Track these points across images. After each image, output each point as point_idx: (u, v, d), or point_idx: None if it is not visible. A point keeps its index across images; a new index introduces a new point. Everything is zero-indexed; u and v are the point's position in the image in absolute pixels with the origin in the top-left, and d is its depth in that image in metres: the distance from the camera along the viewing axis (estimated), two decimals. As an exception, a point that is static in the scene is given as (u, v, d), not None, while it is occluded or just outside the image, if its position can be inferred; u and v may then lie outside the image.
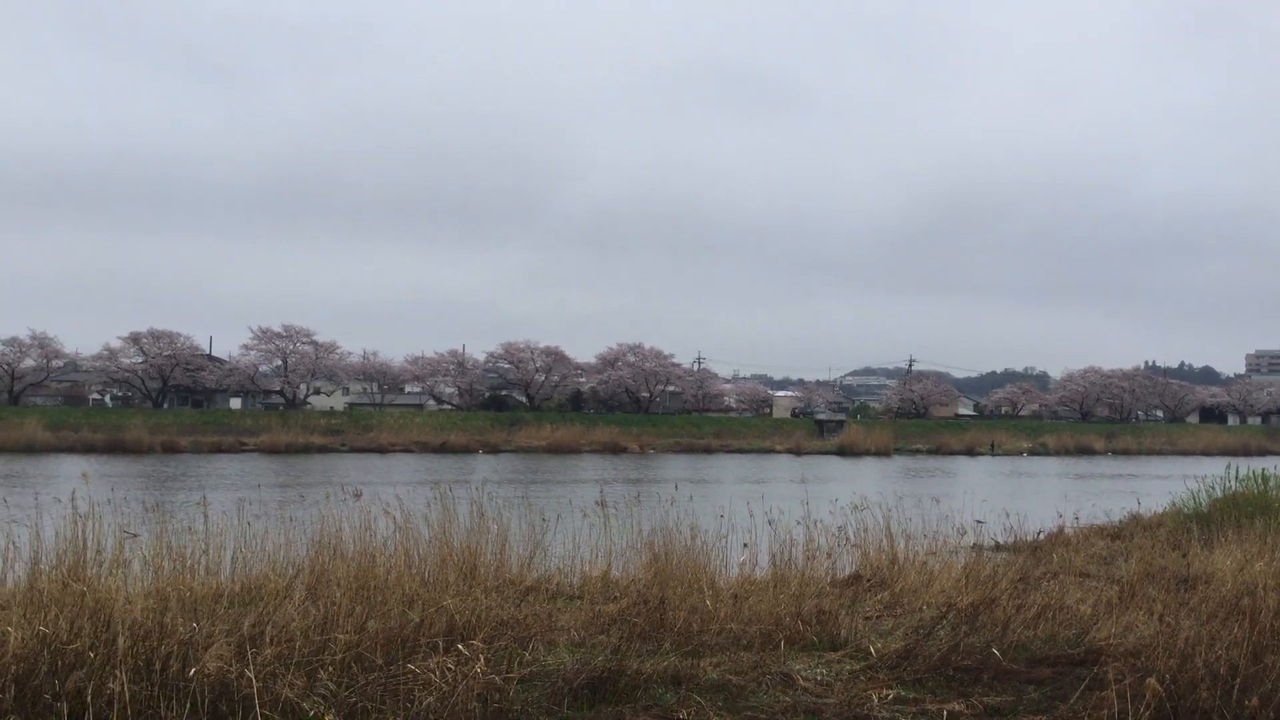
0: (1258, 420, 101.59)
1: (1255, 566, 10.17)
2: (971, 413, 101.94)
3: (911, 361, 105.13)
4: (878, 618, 9.28)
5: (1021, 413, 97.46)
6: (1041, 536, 14.98)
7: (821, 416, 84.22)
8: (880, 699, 6.53)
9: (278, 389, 75.99)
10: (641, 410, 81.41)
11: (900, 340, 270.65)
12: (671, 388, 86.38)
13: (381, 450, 58.70)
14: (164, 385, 73.58)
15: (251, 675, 5.66)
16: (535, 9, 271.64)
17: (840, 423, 78.52)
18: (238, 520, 10.45)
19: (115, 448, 52.70)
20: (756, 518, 11.25)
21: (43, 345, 70.96)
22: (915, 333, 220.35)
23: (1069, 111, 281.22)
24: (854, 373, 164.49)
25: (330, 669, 6.22)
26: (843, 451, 65.29)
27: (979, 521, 13.26)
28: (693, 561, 10.11)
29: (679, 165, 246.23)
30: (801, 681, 6.92)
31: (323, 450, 57.56)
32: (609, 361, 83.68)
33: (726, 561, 10.68)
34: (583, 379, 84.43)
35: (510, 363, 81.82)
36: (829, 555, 11.15)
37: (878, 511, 12.26)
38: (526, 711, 6.21)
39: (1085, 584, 10.93)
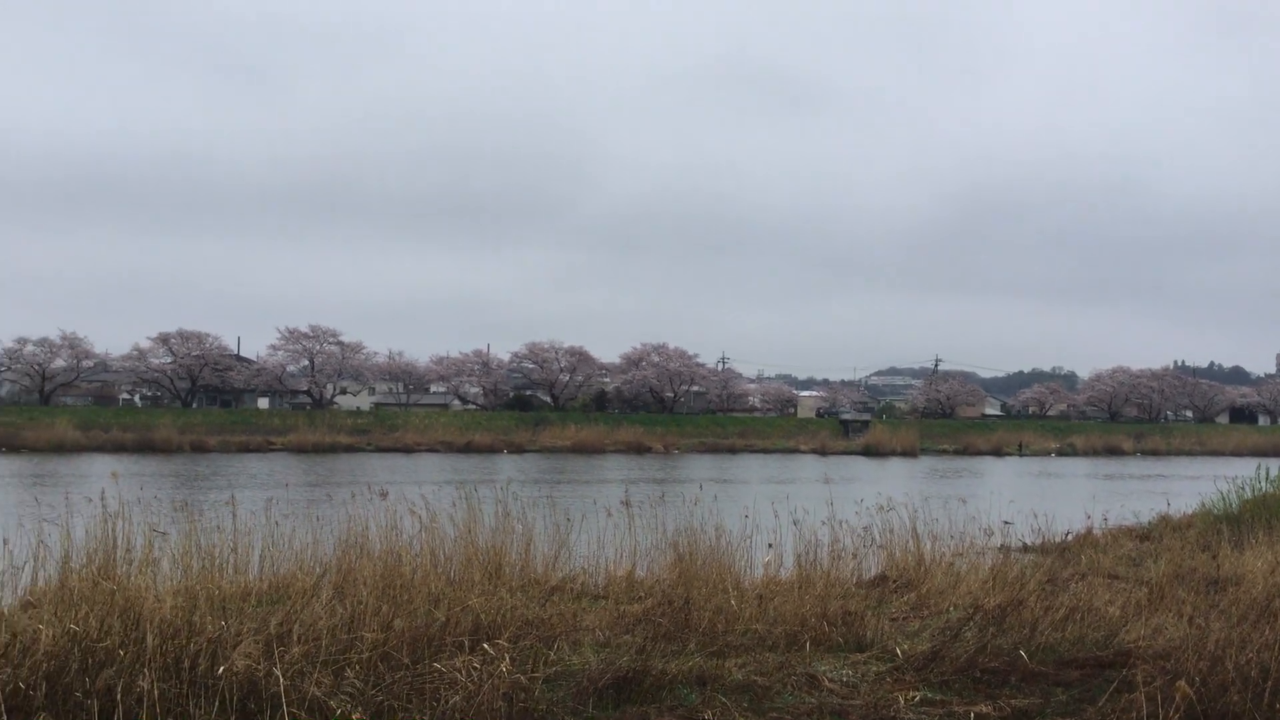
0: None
1: (1287, 568, 10.07)
2: (998, 413, 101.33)
3: (937, 361, 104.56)
4: (904, 619, 9.24)
5: (1049, 413, 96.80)
6: (1069, 538, 14.87)
7: (846, 416, 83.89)
8: (906, 701, 6.51)
9: (305, 389, 76.48)
10: (666, 410, 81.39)
11: (926, 340, 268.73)
12: (696, 388, 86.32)
13: (407, 450, 58.97)
14: (193, 385, 74.20)
15: (279, 674, 5.69)
16: (559, 10, 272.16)
17: (865, 423, 78.19)
18: (266, 519, 10.51)
19: (145, 447, 53.17)
20: (781, 518, 11.22)
21: (73, 346, 71.63)
22: (941, 332, 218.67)
23: (1095, 108, 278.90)
24: (879, 373, 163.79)
25: (357, 667, 6.26)
26: (868, 452, 65.05)
27: (1006, 522, 13.18)
28: (717, 562, 10.10)
29: (703, 164, 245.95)
30: (827, 683, 6.90)
31: (349, 450, 57.86)
32: (633, 361, 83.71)
33: (751, 562, 10.66)
34: (607, 379, 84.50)
35: (535, 363, 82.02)
36: (854, 556, 11.11)
37: (904, 512, 12.21)
38: (551, 711, 6.22)
39: (1114, 586, 10.85)
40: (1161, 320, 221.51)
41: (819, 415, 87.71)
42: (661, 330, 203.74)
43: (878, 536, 11.91)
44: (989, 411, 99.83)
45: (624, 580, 10.50)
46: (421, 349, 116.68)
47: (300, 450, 56.02)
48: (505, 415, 73.74)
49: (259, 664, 5.91)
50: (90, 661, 5.86)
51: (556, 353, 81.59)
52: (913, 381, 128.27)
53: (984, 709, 6.42)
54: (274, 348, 76.66)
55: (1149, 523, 18.12)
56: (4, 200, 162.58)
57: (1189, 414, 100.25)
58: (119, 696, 5.49)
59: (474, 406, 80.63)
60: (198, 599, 6.84)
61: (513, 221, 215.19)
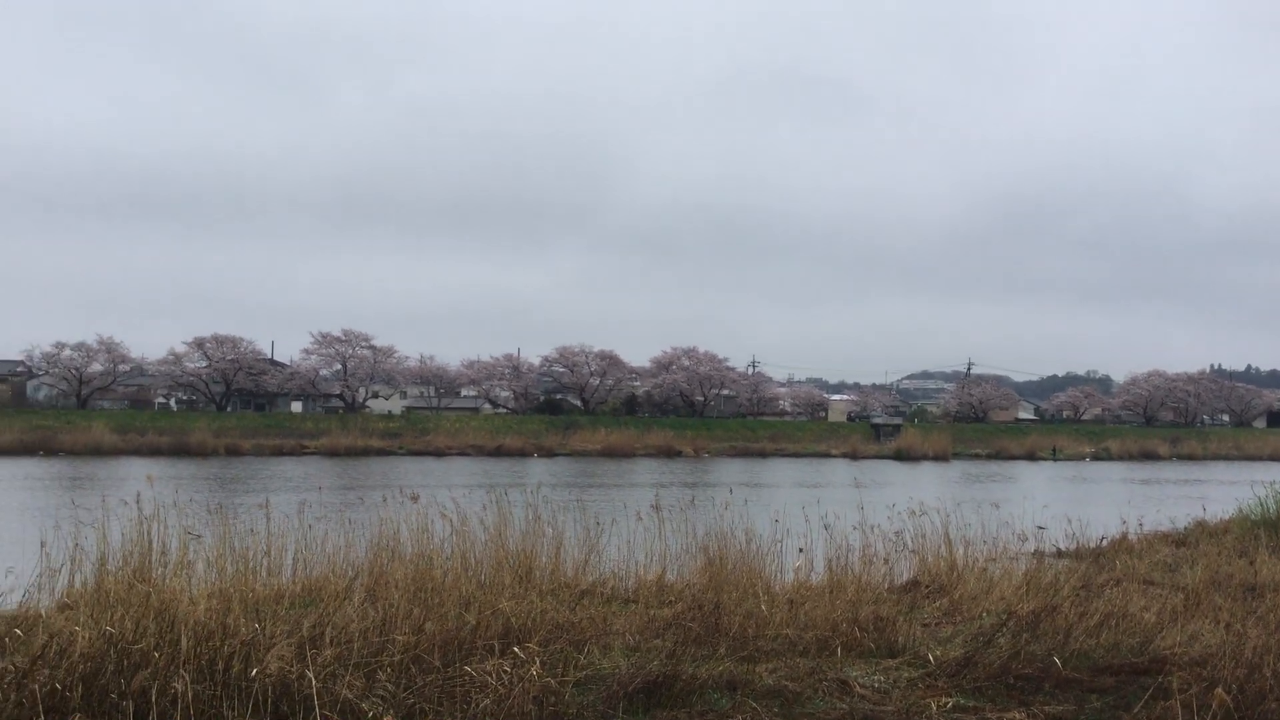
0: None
1: (1327, 575, 9.92)
2: (1032, 417, 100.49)
3: (970, 365, 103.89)
4: (936, 625, 9.18)
5: (1084, 417, 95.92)
6: (1104, 543, 14.74)
7: (878, 420, 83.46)
8: (939, 707, 6.46)
9: (337, 392, 77.07)
10: (696, 414, 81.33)
11: (958, 343, 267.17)
12: (726, 391, 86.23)
13: (438, 453, 59.25)
14: (227, 389, 74.93)
15: (312, 676, 5.73)
16: (592, 15, 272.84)
17: (897, 427, 77.79)
18: (299, 522, 10.59)
19: (180, 450, 53.71)
20: (812, 522, 11.18)
21: (110, 350, 72.54)
22: (974, 336, 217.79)
23: (1131, 110, 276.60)
24: (911, 376, 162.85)
25: (388, 670, 6.28)
26: (899, 456, 64.71)
27: (1040, 527, 13.08)
28: (748, 566, 10.08)
29: (735, 168, 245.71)
30: (859, 688, 6.86)
31: (381, 453, 58.21)
32: (663, 365, 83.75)
33: (781, 566, 10.63)
34: (637, 383, 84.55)
35: (565, 366, 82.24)
36: (886, 561, 11.05)
37: (936, 517, 12.14)
38: (581, 715, 6.22)
39: (1149, 591, 10.73)
40: (1198, 323, 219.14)
41: (850, 419, 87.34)
42: (692, 334, 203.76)
43: (910, 541, 11.84)
44: (1022, 416, 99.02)
45: (654, 584, 10.49)
46: (453, 353, 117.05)
47: (333, 453, 56.40)
48: (536, 419, 73.93)
49: (292, 666, 5.95)
50: (126, 663, 5.91)
51: (587, 356, 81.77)
52: (945, 386, 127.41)
53: (1017, 715, 6.36)
54: (307, 352, 77.50)
55: (1185, 528, 17.92)
56: (44, 207, 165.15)
57: (1225, 418, 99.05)
58: (154, 698, 5.54)
59: (504, 410, 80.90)
60: (232, 601, 6.89)
61: (545, 226, 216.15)
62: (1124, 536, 15.72)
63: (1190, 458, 73.46)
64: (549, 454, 60.96)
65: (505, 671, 6.13)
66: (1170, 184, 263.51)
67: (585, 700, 6.43)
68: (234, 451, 55.18)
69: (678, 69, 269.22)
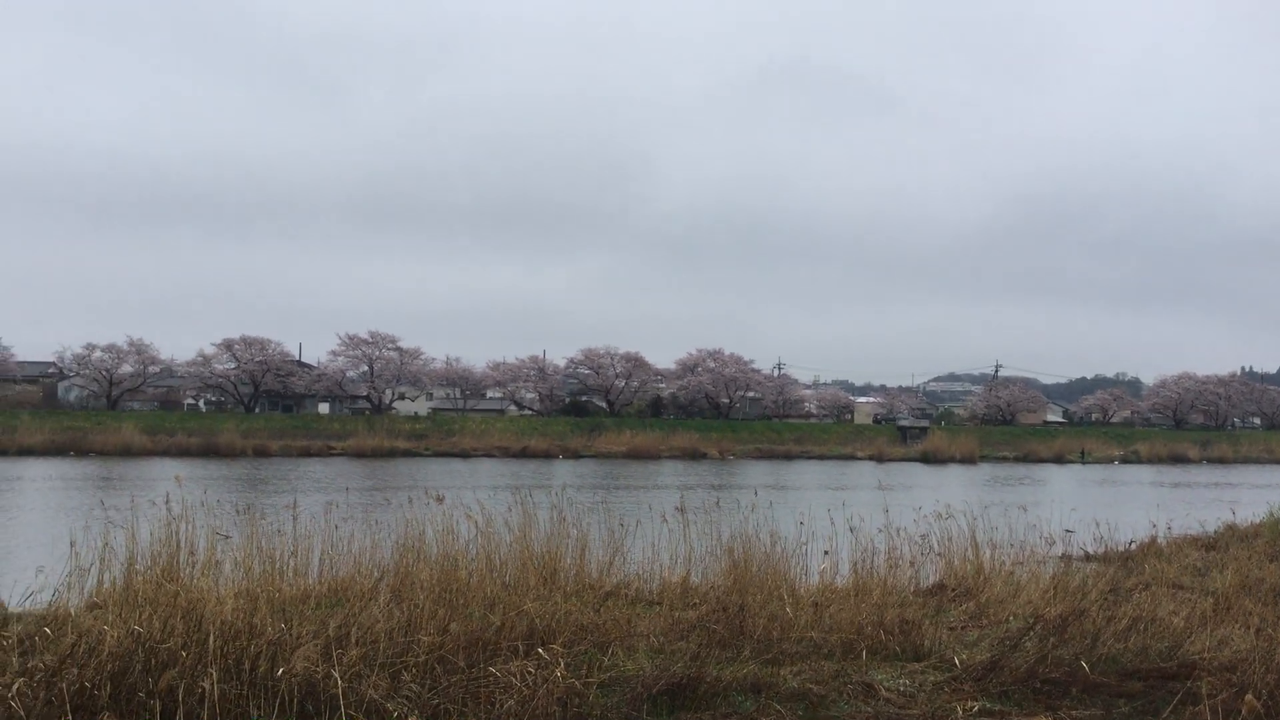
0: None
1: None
2: (1060, 419, 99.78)
3: (998, 367, 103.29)
4: (962, 628, 9.13)
5: (1112, 420, 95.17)
6: (1133, 547, 14.61)
7: (904, 423, 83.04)
8: (965, 711, 6.42)
9: (364, 394, 77.47)
10: (721, 416, 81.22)
11: (986, 346, 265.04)
12: (751, 394, 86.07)
13: (464, 455, 59.38)
14: (255, 390, 75.47)
15: (337, 676, 5.76)
16: (617, 17, 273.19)
17: (924, 429, 77.39)
18: (325, 523, 10.64)
19: (208, 451, 54.07)
20: (837, 525, 11.14)
21: (140, 352, 73.19)
22: (1002, 338, 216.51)
23: (1163, 110, 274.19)
24: (938, 379, 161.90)
25: (413, 671, 6.31)
26: (926, 458, 64.33)
27: (1068, 531, 12.99)
28: (773, 568, 10.05)
29: (760, 170, 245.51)
30: (884, 692, 6.83)
31: (407, 454, 58.39)
32: (689, 367, 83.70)
33: (807, 569, 10.60)
34: (662, 385, 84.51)
35: (590, 368, 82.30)
36: (912, 564, 11.01)
37: (962, 520, 12.07)
38: (606, 717, 6.22)
39: (1178, 596, 10.63)
40: (1228, 325, 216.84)
41: (876, 421, 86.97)
42: (717, 336, 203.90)
43: (936, 544, 11.77)
44: (1050, 418, 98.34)
45: (679, 586, 10.48)
46: (478, 355, 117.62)
47: (359, 454, 56.65)
48: (561, 421, 74.02)
49: (318, 666, 5.99)
50: (153, 662, 5.97)
51: (612, 359, 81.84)
52: (972, 388, 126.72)
53: (1044, 720, 6.32)
54: (334, 354, 77.86)
55: (1215, 532, 17.73)
56: (75, 210, 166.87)
57: (1256, 421, 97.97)
58: (181, 697, 5.59)
59: (530, 412, 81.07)
60: (258, 601, 6.94)
61: (570, 228, 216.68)
62: (1153, 540, 15.58)
63: (1220, 461, 72.64)
64: (574, 456, 61.01)
65: (530, 673, 6.14)
66: (1199, 184, 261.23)
67: (610, 702, 6.44)
68: (262, 452, 55.50)
69: (704, 71, 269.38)
